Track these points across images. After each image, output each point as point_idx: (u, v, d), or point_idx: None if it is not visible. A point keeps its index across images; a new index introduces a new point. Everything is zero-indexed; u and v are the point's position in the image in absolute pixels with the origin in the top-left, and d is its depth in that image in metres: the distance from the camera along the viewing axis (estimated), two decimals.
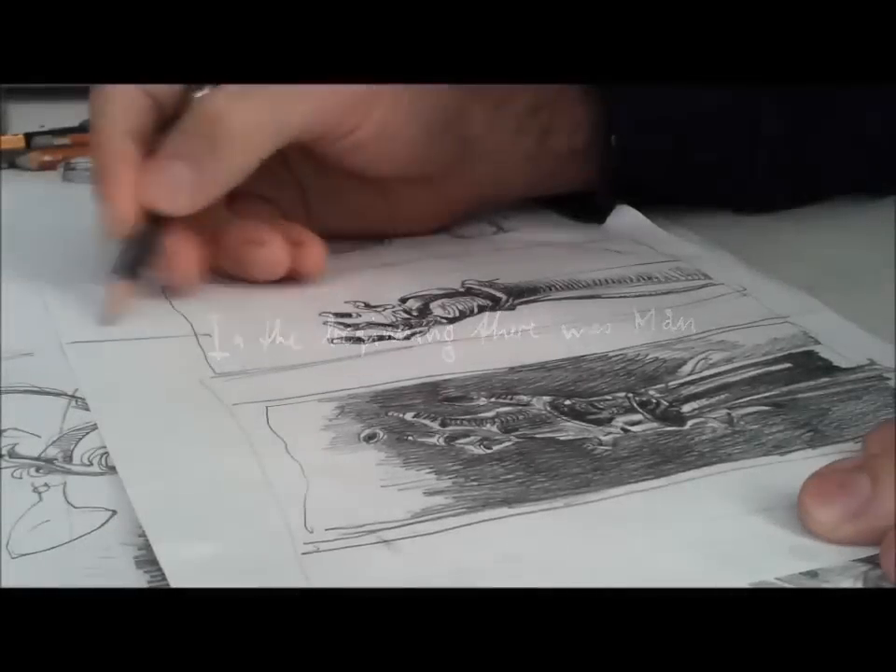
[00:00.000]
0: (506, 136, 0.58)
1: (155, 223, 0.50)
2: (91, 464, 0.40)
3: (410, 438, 0.41)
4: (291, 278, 0.53)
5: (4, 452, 0.40)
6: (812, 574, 0.35)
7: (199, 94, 0.50)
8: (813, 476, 0.37)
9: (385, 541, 0.36)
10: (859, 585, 0.34)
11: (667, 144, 0.59)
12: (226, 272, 0.53)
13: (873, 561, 0.35)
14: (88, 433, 0.42)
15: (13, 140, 0.72)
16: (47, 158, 0.70)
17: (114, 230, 0.50)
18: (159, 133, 0.51)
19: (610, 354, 0.47)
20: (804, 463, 0.39)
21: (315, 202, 0.56)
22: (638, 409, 0.43)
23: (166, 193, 0.49)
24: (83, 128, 0.75)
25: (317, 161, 0.54)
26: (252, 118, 0.49)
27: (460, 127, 0.56)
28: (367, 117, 0.52)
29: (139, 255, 0.50)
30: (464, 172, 0.57)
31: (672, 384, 0.45)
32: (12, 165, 0.70)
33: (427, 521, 0.37)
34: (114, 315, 0.49)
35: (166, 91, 0.51)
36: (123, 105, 0.51)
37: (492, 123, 0.57)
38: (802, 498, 0.36)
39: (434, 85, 0.54)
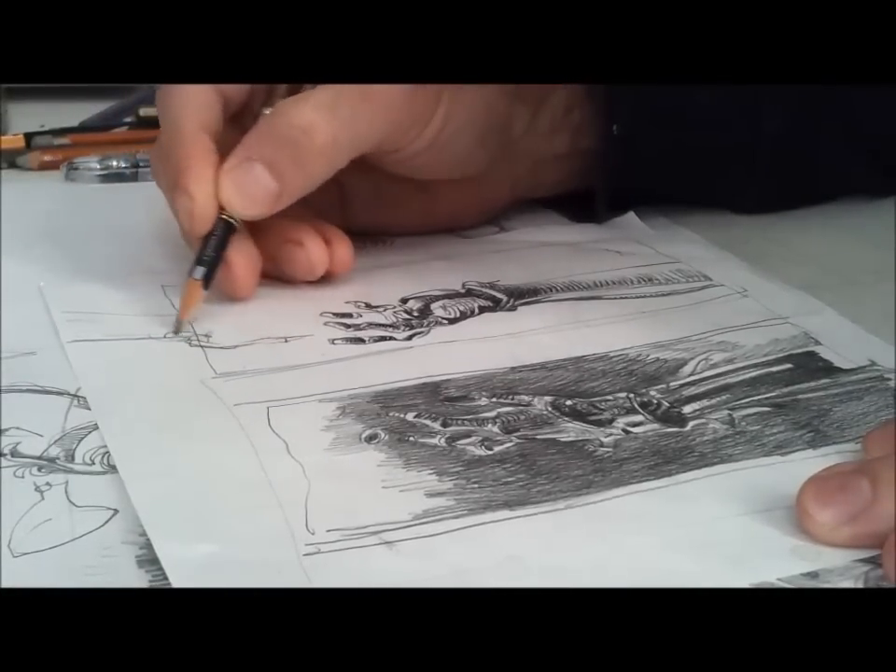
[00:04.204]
0: (542, 135, 0.58)
1: (225, 226, 0.49)
2: (93, 463, 0.40)
3: (411, 438, 0.41)
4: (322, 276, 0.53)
5: (6, 451, 0.40)
6: (813, 575, 0.35)
7: (267, 111, 0.50)
8: (812, 478, 0.37)
9: (386, 543, 0.36)
10: (859, 586, 0.34)
11: (668, 140, 0.59)
12: (264, 271, 0.52)
13: (873, 561, 0.35)
14: (90, 432, 0.42)
15: (13, 140, 0.72)
16: (47, 158, 0.70)
17: (193, 228, 0.49)
18: (225, 130, 0.51)
19: (611, 354, 0.47)
20: (805, 464, 0.40)
21: (353, 200, 0.55)
22: (640, 410, 0.43)
23: (245, 197, 0.49)
24: (83, 128, 0.75)
25: (362, 163, 0.53)
26: (337, 131, 0.49)
27: (505, 128, 0.56)
28: (428, 125, 0.52)
29: (214, 257, 0.49)
30: (503, 171, 0.58)
31: (673, 384, 0.45)
32: (12, 165, 0.70)
33: (428, 522, 0.37)
34: (187, 318, 0.49)
35: (233, 89, 0.51)
36: (199, 102, 0.50)
37: (531, 123, 0.58)
38: (801, 500, 0.36)
39: (484, 87, 0.54)
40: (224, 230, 0.49)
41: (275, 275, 0.53)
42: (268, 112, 0.51)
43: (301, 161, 0.49)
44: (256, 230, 0.51)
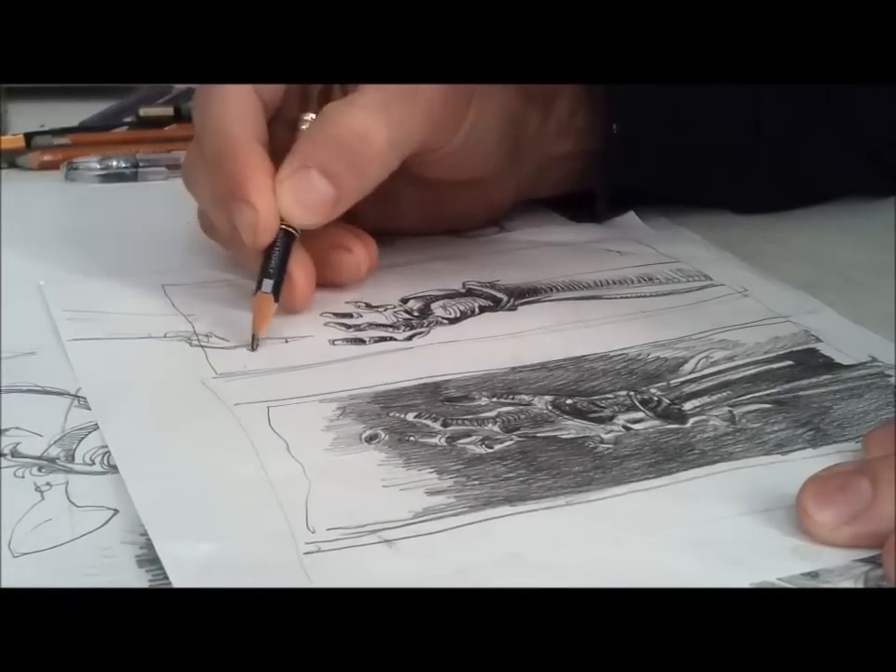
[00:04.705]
0: (549, 138, 0.58)
1: (286, 237, 0.49)
2: (94, 463, 0.40)
3: (411, 438, 0.41)
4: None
5: (6, 451, 0.40)
6: (813, 575, 0.35)
7: (307, 117, 0.50)
8: (813, 478, 0.37)
9: (386, 541, 0.36)
10: (860, 586, 0.34)
11: (668, 140, 0.59)
12: None
13: (873, 561, 0.35)
14: (90, 432, 0.42)
15: (13, 140, 0.72)
16: (47, 158, 0.70)
17: (258, 240, 0.48)
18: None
19: (611, 353, 0.47)
20: (805, 463, 0.40)
21: (360, 202, 0.55)
22: (640, 407, 0.43)
23: (304, 205, 0.48)
24: (83, 128, 0.76)
25: None
26: (392, 133, 0.48)
27: (520, 129, 0.56)
28: (462, 123, 0.52)
29: (280, 269, 0.48)
30: (510, 172, 0.58)
31: (674, 381, 0.45)
32: (12, 165, 0.70)
33: (428, 520, 0.37)
34: (261, 332, 0.48)
35: (268, 95, 0.51)
36: (246, 110, 0.50)
37: (540, 125, 0.58)
38: (801, 500, 0.36)
39: (504, 88, 0.54)
40: (286, 240, 0.48)
41: (326, 283, 0.52)
42: (308, 118, 0.50)
43: (357, 165, 0.48)
44: (309, 241, 0.51)
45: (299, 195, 0.48)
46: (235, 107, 0.49)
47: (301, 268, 0.49)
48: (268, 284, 0.48)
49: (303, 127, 0.51)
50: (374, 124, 0.48)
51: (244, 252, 0.50)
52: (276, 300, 0.48)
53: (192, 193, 0.53)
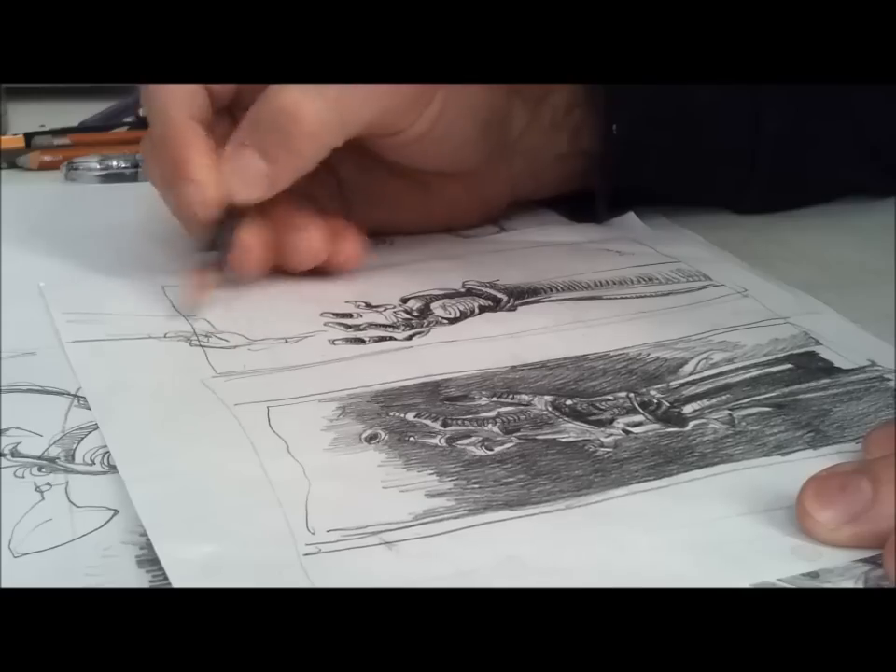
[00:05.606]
0: (542, 134, 0.58)
1: (231, 211, 0.50)
2: (94, 463, 0.40)
3: (411, 438, 0.41)
4: (328, 269, 0.54)
5: (6, 451, 0.40)
6: (813, 575, 0.35)
7: None
8: (813, 478, 0.37)
9: (386, 543, 0.36)
10: (860, 586, 0.34)
11: (668, 140, 0.59)
12: (272, 264, 0.53)
13: (874, 561, 0.35)
14: (90, 432, 0.42)
15: (13, 140, 0.72)
16: (47, 158, 0.70)
17: (203, 214, 0.50)
18: (219, 122, 0.52)
19: (612, 353, 0.47)
20: (805, 464, 0.40)
21: (352, 197, 0.56)
22: (640, 409, 0.43)
23: (240, 182, 0.50)
24: (83, 128, 0.75)
25: (358, 156, 0.54)
26: (323, 114, 0.49)
27: (504, 124, 0.57)
28: (422, 114, 0.52)
29: (223, 242, 0.50)
30: (502, 169, 0.58)
31: (673, 383, 0.45)
32: (12, 165, 0.70)
33: (428, 523, 0.37)
34: (195, 303, 0.50)
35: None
36: (185, 94, 0.51)
37: (531, 121, 0.58)
38: (801, 500, 0.36)
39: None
40: (230, 215, 0.50)
41: (282, 265, 0.53)
42: None
43: (289, 143, 0.50)
44: (263, 219, 0.52)
45: (236, 172, 0.50)
46: (177, 93, 0.51)
47: (254, 237, 0.51)
48: (210, 255, 0.50)
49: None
50: (306, 104, 0.49)
51: (195, 229, 0.52)
52: (219, 270, 0.51)
53: (150, 180, 0.54)
